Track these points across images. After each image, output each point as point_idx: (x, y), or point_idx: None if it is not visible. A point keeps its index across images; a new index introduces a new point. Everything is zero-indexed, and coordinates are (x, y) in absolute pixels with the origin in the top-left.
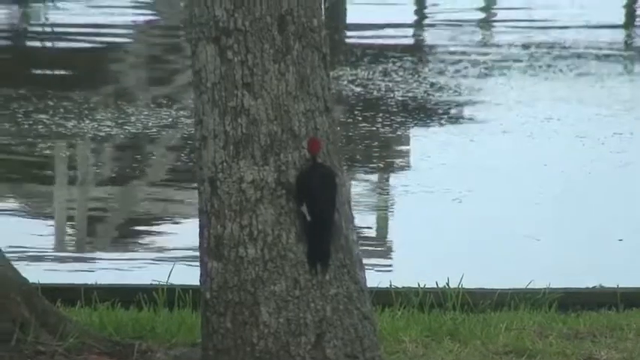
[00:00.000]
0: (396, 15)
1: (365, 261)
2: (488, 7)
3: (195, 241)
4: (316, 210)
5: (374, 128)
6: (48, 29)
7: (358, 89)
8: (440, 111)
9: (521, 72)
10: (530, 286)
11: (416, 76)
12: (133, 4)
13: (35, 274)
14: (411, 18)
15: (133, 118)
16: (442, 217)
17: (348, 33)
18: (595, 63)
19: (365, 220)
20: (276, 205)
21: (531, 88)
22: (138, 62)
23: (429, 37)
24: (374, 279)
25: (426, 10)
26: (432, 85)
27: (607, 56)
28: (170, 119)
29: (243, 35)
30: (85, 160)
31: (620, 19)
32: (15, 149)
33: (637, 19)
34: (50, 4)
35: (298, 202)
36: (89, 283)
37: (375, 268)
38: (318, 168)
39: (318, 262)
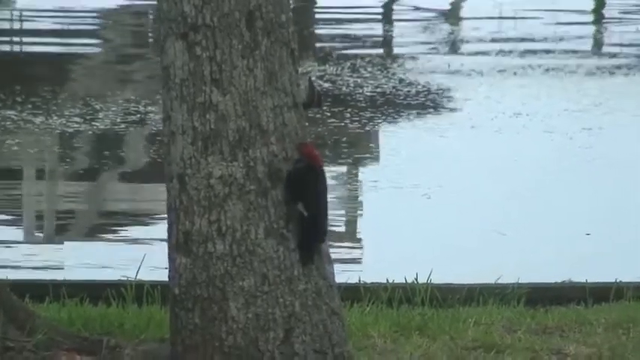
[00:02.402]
0: (364, 11)
1: (334, 257)
2: (458, 1)
3: (164, 237)
4: (313, 206)
5: (342, 124)
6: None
7: (327, 85)
8: (409, 106)
9: (490, 67)
10: (498, 282)
11: (385, 71)
12: None
13: (3, 269)
14: (380, 13)
15: (101, 114)
16: (411, 212)
17: (317, 28)
18: (564, 58)
19: (334, 216)
20: (245, 201)
21: (500, 84)
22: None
23: (398, 32)
24: (343, 274)
25: (394, 6)
26: (401, 80)
27: (575, 52)
28: (138, 115)
29: (211, 31)
30: (53, 156)
31: (590, 13)
32: None
33: (606, 14)
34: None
35: (293, 199)
36: (57, 279)
37: (344, 264)
38: (314, 166)
39: (306, 249)
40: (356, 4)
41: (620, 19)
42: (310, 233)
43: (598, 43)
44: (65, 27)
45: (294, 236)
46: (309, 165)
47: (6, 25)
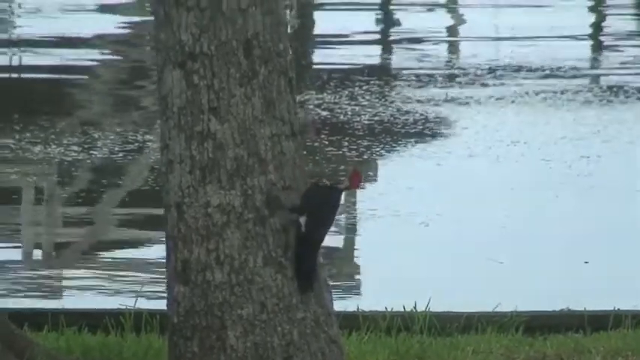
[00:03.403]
0: (362, 39)
1: (332, 285)
2: (454, 30)
3: (162, 265)
4: (314, 226)
5: (340, 152)
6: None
7: (324, 113)
8: (407, 135)
9: (487, 95)
10: (497, 310)
11: (382, 99)
12: None
13: (2, 298)
14: (378, 42)
15: (99, 143)
16: (409, 240)
17: (315, 56)
18: (561, 86)
19: (332, 244)
20: (243, 230)
21: (498, 112)
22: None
23: (396, 60)
24: (341, 303)
25: (391, 34)
26: (399, 109)
27: (573, 79)
28: (136, 144)
29: (209, 59)
30: (51, 185)
31: (588, 41)
32: None
33: (604, 41)
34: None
35: (299, 211)
36: (56, 307)
37: (342, 292)
38: (336, 188)
39: (304, 278)
40: (354, 31)
41: (617, 46)
42: (301, 249)
43: (595, 71)
44: (64, 60)
45: (292, 264)
46: (340, 187)
47: (4, 53)
